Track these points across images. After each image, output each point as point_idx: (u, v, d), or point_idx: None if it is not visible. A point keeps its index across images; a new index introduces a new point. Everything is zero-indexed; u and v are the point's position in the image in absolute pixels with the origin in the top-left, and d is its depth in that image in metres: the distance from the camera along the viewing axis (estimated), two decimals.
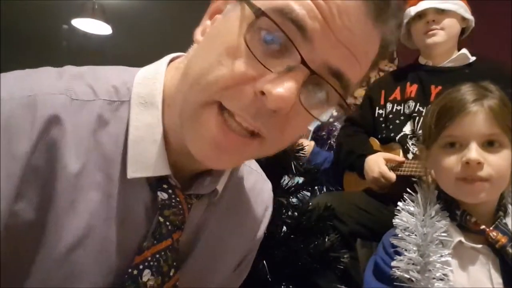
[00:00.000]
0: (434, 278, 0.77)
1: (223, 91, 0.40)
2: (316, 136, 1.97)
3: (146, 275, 0.48)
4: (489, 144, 0.81)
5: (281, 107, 0.39)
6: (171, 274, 0.50)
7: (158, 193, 0.48)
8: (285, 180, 1.16)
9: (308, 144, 1.84)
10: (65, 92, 0.44)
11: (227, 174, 0.54)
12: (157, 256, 0.49)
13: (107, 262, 0.46)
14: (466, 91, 0.84)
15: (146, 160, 0.46)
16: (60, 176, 0.43)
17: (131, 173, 0.46)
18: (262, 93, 0.39)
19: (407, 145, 1.48)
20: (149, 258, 0.48)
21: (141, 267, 0.48)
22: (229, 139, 0.42)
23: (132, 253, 0.48)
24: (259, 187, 0.63)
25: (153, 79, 0.49)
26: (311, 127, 1.93)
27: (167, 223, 0.49)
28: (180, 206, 0.49)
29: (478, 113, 0.81)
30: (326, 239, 1.10)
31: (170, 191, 0.48)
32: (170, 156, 0.48)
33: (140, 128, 0.47)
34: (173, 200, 0.49)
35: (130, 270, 0.47)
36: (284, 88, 0.38)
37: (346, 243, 1.32)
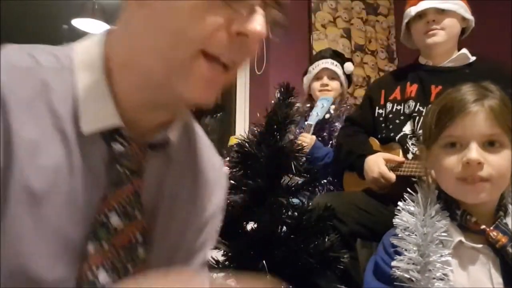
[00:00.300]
0: (434, 278, 0.77)
1: (205, 41, 0.47)
2: (318, 137, 1.97)
3: (114, 220, 0.52)
4: (489, 144, 0.81)
5: (259, 40, 0.49)
6: (138, 216, 0.54)
7: (113, 144, 0.52)
8: (285, 180, 1.16)
9: (310, 138, 1.84)
10: (7, 60, 0.48)
11: (177, 124, 0.59)
12: (121, 201, 0.53)
13: (75, 213, 0.50)
14: (467, 91, 0.84)
15: (97, 114, 0.51)
16: (17, 138, 0.46)
17: (85, 128, 0.50)
18: (239, 33, 0.47)
19: (407, 145, 1.48)
20: (114, 204, 0.52)
21: (108, 213, 0.52)
22: (216, 77, 0.49)
23: (98, 203, 0.52)
24: (211, 153, 0.69)
25: (92, 46, 0.54)
26: (312, 122, 1.93)
27: (126, 171, 0.53)
28: (135, 155, 0.54)
29: (478, 113, 0.81)
30: (326, 239, 1.10)
31: (124, 142, 0.53)
32: (124, 114, 0.52)
33: (86, 87, 0.51)
34: (129, 149, 0.53)
35: (98, 217, 0.51)
36: (259, 25, 0.48)
37: (346, 243, 1.32)
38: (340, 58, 2.10)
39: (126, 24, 0.53)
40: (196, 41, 0.46)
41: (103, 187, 0.52)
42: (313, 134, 1.94)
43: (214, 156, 0.69)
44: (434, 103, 0.91)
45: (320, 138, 1.96)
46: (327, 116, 1.96)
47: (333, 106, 2.02)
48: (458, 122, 0.82)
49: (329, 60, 2.05)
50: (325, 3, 2.74)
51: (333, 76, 2.04)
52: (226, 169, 0.72)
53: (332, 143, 1.93)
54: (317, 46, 2.54)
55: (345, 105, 2.04)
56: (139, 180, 0.55)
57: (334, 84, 2.04)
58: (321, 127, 1.97)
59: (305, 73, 2.15)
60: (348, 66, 2.06)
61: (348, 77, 2.11)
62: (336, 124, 1.96)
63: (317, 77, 2.06)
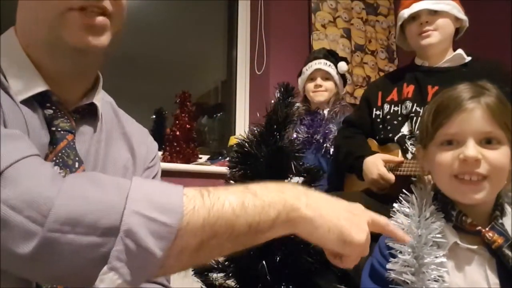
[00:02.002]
0: (429, 280, 0.77)
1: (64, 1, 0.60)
2: (312, 140, 1.96)
3: (56, 170, 0.60)
4: (486, 142, 0.80)
5: None
6: (76, 165, 0.64)
7: (44, 111, 0.63)
8: (285, 180, 1.15)
9: None
10: None
11: (99, 93, 0.72)
12: (60, 154, 0.62)
13: None
14: (463, 89, 0.84)
15: (25, 82, 0.61)
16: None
17: (19, 97, 0.59)
18: None
19: (406, 145, 1.48)
20: (54, 158, 0.61)
21: None
22: (92, 21, 0.61)
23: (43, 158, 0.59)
24: (135, 124, 0.82)
25: (6, 38, 0.65)
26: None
27: (59, 129, 0.63)
28: (66, 116, 0.65)
29: (475, 110, 0.80)
30: None
31: (53, 107, 0.64)
32: (49, 83, 0.63)
33: (8, 62, 0.61)
34: (59, 113, 0.64)
35: None
36: None
37: None
38: (333, 58, 2.09)
39: (18, 14, 0.65)
40: (59, 3, 0.59)
41: (45, 143, 0.61)
42: (307, 136, 1.93)
43: (138, 125, 0.82)
44: (431, 102, 0.90)
45: (315, 142, 1.95)
46: (318, 137, 1.94)
47: (327, 109, 2.02)
48: (455, 119, 0.81)
49: (322, 61, 2.05)
50: (325, 3, 2.74)
51: (327, 76, 2.04)
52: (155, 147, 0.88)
53: (326, 145, 1.92)
54: (317, 46, 2.54)
55: (339, 105, 2.03)
56: (72, 135, 0.65)
57: (328, 85, 2.03)
58: (315, 129, 1.96)
59: (300, 74, 2.15)
60: (342, 65, 2.05)
61: (343, 76, 2.10)
62: (331, 126, 1.95)
63: (311, 78, 2.06)
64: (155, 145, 0.83)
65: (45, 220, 0.42)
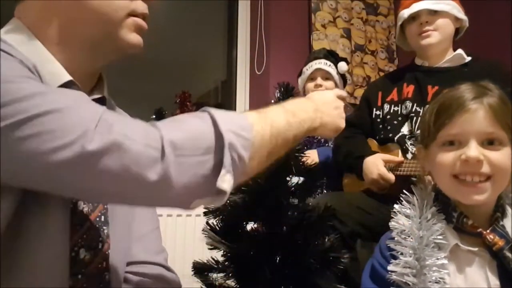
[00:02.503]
0: (430, 282, 0.77)
1: (130, 8, 0.67)
2: (313, 140, 1.96)
3: None
4: (488, 143, 0.80)
5: None
6: None
7: None
8: (285, 180, 1.15)
9: (312, 153, 1.82)
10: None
11: (105, 89, 0.75)
12: None
13: None
14: (465, 89, 0.83)
15: (50, 73, 0.62)
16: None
17: (56, 82, 0.62)
18: None
19: (406, 145, 1.48)
20: None
21: None
22: (144, 25, 0.70)
23: None
24: None
25: (15, 30, 0.65)
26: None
27: None
28: None
29: (477, 110, 0.80)
30: (326, 239, 1.10)
31: None
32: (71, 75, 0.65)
33: (31, 53, 0.62)
34: None
35: None
36: None
37: (346, 244, 1.32)
38: (334, 58, 2.09)
39: (48, 10, 0.65)
40: (123, 8, 0.66)
41: None
42: (307, 136, 1.93)
43: None
44: (433, 102, 0.89)
45: (316, 141, 1.95)
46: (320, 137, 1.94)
47: None
48: (457, 120, 0.81)
49: (323, 61, 2.05)
50: (325, 3, 2.73)
51: (327, 76, 2.04)
52: None
53: (327, 145, 1.92)
54: (317, 46, 2.54)
55: None
56: None
57: (328, 84, 2.03)
58: None
59: (300, 74, 2.15)
60: (342, 65, 2.05)
61: (343, 76, 2.11)
62: None
63: (311, 77, 2.06)
64: None
65: (160, 146, 0.52)
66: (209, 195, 0.56)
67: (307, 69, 2.08)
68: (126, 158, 0.50)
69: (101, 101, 0.73)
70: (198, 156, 0.54)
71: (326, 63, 2.04)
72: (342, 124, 0.83)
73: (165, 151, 0.52)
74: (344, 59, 2.14)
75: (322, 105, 0.78)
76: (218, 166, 0.55)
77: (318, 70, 2.04)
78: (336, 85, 2.06)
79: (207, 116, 0.58)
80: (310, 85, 2.05)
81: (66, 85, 0.64)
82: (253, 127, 0.60)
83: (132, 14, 0.67)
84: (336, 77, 2.05)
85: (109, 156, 0.49)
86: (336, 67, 2.06)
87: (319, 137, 1.95)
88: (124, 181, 0.51)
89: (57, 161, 0.48)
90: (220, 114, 0.59)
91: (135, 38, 0.68)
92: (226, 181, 0.55)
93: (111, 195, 0.54)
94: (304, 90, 2.10)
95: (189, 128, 0.56)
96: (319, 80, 2.03)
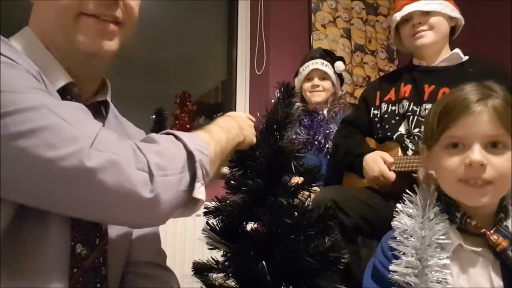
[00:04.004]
0: (432, 282, 0.76)
1: (78, 6, 0.65)
2: (314, 142, 1.95)
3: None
4: (492, 146, 0.79)
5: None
6: None
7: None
8: (285, 180, 1.15)
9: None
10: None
11: (109, 94, 0.78)
12: None
13: None
14: (470, 90, 0.82)
15: (52, 75, 0.65)
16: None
17: (56, 85, 0.65)
18: None
19: (405, 143, 1.48)
20: None
21: None
22: (105, 28, 0.68)
23: None
24: (130, 124, 0.90)
25: (24, 37, 0.68)
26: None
27: None
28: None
29: (482, 113, 0.79)
30: (326, 239, 1.10)
31: (74, 99, 0.68)
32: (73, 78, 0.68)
33: (34, 57, 0.64)
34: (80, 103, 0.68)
35: None
36: None
37: (349, 237, 1.31)
38: (330, 57, 2.08)
39: (34, 15, 0.70)
40: (72, 7, 0.65)
41: None
42: (308, 138, 1.93)
43: (134, 126, 0.90)
44: (436, 103, 0.89)
45: (316, 143, 1.94)
46: (319, 138, 1.94)
47: (326, 109, 2.01)
48: (461, 122, 0.80)
49: (319, 61, 2.04)
50: (325, 3, 2.73)
51: (324, 76, 2.03)
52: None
53: (328, 146, 1.91)
54: (317, 46, 2.54)
55: (338, 105, 2.02)
56: None
57: (326, 84, 2.02)
58: (316, 130, 1.96)
59: (296, 74, 2.13)
60: (339, 65, 2.04)
61: (340, 76, 2.09)
62: (331, 126, 1.94)
63: (308, 78, 2.05)
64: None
65: (147, 167, 0.57)
66: (187, 205, 0.64)
67: (303, 70, 2.07)
68: (121, 176, 0.54)
69: (103, 104, 0.76)
70: (178, 174, 0.61)
71: (323, 63, 2.03)
72: (254, 139, 0.93)
73: (153, 172, 0.57)
74: (341, 58, 2.12)
75: (242, 123, 0.87)
76: (193, 180, 0.63)
77: (315, 70, 2.03)
78: (333, 85, 2.05)
79: (173, 138, 0.65)
80: (307, 85, 2.05)
81: (66, 86, 0.66)
82: (209, 146, 0.69)
83: (86, 14, 0.66)
84: (333, 76, 2.04)
85: (104, 172, 0.53)
86: (333, 67, 2.04)
87: (319, 139, 1.95)
88: (117, 197, 0.54)
89: (56, 170, 0.51)
90: (184, 136, 0.65)
91: (91, 41, 0.67)
92: (201, 192, 0.63)
93: (101, 210, 0.56)
94: (301, 91, 2.09)
95: (167, 151, 0.61)
96: (316, 81, 2.02)
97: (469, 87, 0.83)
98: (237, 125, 0.84)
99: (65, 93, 0.67)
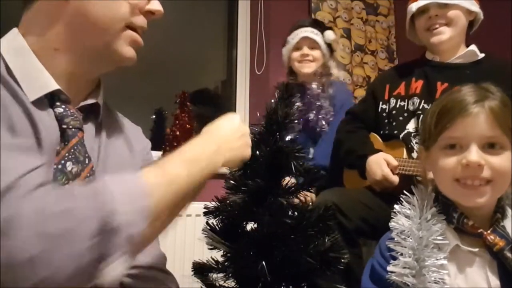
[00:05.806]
0: (429, 282, 0.77)
1: (128, 18, 0.69)
2: (308, 119, 1.88)
3: (69, 165, 0.65)
4: (489, 146, 0.80)
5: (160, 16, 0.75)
6: (86, 161, 0.69)
7: (55, 109, 0.66)
8: (285, 180, 1.15)
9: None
10: None
11: (101, 95, 0.76)
12: (72, 151, 0.66)
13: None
14: (467, 92, 0.83)
15: (36, 83, 0.64)
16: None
17: (30, 96, 0.62)
18: (148, 12, 0.72)
19: (411, 143, 1.43)
20: (67, 154, 0.65)
21: (63, 161, 0.65)
22: (139, 40, 0.72)
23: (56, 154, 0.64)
24: (130, 123, 0.88)
25: (11, 40, 0.67)
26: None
27: (70, 127, 0.67)
28: (75, 115, 0.69)
29: (479, 114, 0.80)
30: (327, 239, 1.10)
31: (63, 106, 0.67)
32: (58, 84, 0.66)
33: (18, 63, 0.63)
34: (68, 111, 0.68)
35: (56, 166, 0.64)
36: (159, 5, 0.75)
37: (351, 240, 1.28)
38: (320, 27, 1.98)
39: (35, 17, 0.67)
40: (124, 19, 0.68)
41: (57, 142, 0.65)
42: (300, 114, 1.87)
43: (131, 123, 0.88)
44: (434, 104, 0.89)
45: (310, 120, 1.88)
46: (311, 116, 1.89)
47: (315, 84, 1.91)
48: (458, 123, 0.81)
49: (309, 29, 1.93)
50: (325, 3, 2.73)
51: (314, 45, 1.92)
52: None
53: (322, 124, 1.85)
54: None
55: (325, 78, 1.92)
56: (82, 132, 0.70)
57: (315, 54, 1.92)
58: (308, 108, 1.88)
59: (284, 44, 2.02)
60: (329, 34, 1.94)
61: (329, 46, 1.98)
62: (322, 100, 1.86)
63: (297, 47, 1.93)
64: (147, 141, 0.91)
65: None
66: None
67: (292, 38, 1.95)
68: (7, 246, 0.44)
69: (94, 106, 0.75)
70: (88, 243, 0.48)
71: (313, 31, 1.93)
72: (248, 153, 0.84)
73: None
74: (330, 28, 2.04)
75: (224, 143, 0.75)
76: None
77: (304, 38, 1.92)
78: (323, 55, 1.94)
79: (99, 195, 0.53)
80: (296, 54, 1.94)
81: (54, 93, 0.66)
82: (152, 192, 0.56)
83: (131, 27, 0.70)
84: (323, 46, 1.94)
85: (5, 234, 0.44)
86: (323, 36, 1.95)
87: (312, 117, 1.88)
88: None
89: None
90: (114, 188, 0.53)
91: (129, 51, 0.71)
92: (118, 267, 0.51)
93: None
94: (289, 61, 1.99)
95: (76, 216, 0.50)
96: (306, 50, 1.92)
97: (466, 88, 0.84)
98: (212, 150, 0.71)
99: (53, 99, 0.67)
